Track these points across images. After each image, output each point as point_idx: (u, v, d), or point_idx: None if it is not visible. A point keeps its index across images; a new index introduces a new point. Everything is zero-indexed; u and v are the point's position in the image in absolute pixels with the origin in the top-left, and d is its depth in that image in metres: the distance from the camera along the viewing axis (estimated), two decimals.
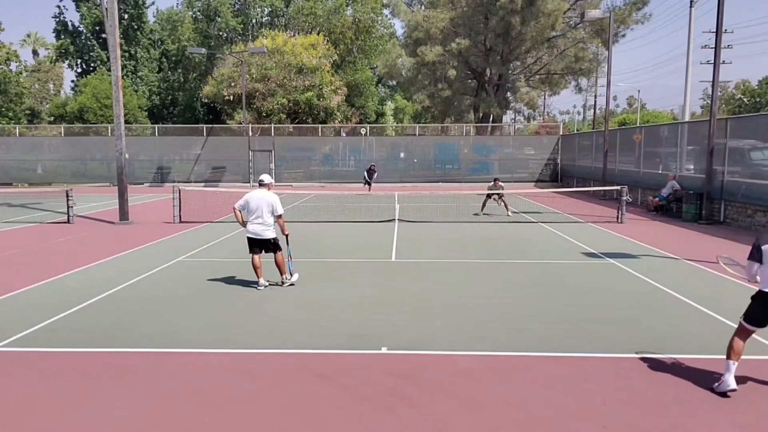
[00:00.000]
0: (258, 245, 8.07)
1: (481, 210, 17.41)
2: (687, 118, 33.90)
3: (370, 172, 25.27)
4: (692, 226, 14.70)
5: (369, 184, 24.79)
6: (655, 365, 5.25)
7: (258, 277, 8.08)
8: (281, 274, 8.19)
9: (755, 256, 4.79)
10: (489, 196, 17.48)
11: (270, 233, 8.01)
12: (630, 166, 22.21)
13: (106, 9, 15.48)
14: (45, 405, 4.49)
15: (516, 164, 33.19)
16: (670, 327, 6.35)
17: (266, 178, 8.32)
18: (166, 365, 5.29)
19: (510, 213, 17.08)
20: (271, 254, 8.06)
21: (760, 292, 4.81)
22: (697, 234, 13.44)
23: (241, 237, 12.87)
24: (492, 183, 17.79)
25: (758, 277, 4.85)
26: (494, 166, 33.36)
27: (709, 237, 12.95)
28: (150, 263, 9.84)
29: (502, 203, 17.42)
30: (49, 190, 24.64)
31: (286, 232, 8.19)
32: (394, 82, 48.42)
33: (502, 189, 17.57)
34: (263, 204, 7.92)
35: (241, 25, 46.84)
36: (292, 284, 8.20)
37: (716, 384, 4.71)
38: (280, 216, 8.02)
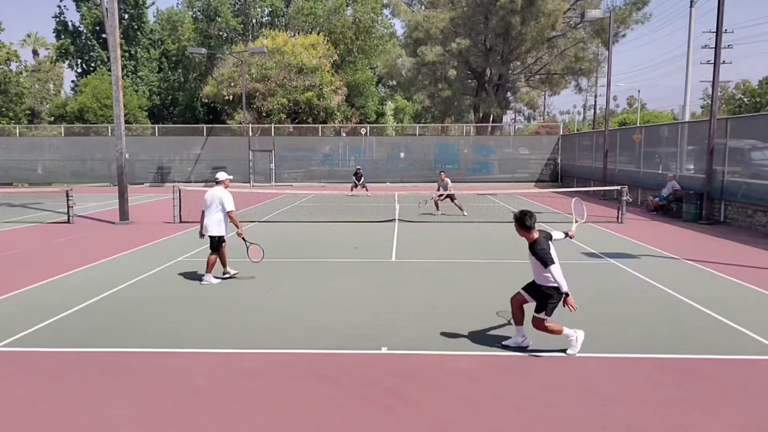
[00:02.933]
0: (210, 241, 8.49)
1: (437, 211, 17.25)
2: (687, 118, 33.92)
3: (357, 176, 24.78)
4: (692, 226, 14.70)
5: (365, 187, 24.18)
6: (655, 365, 5.25)
7: (207, 272, 8.39)
8: (223, 266, 8.60)
9: None
10: (440, 197, 17.33)
11: (217, 230, 8.33)
12: (630, 166, 22.21)
13: (107, 9, 15.48)
14: (45, 405, 4.49)
15: (516, 164, 33.21)
16: (670, 327, 6.35)
17: (221, 175, 8.51)
18: (166, 365, 5.28)
19: (439, 213, 16.93)
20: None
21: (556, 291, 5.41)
22: (697, 234, 13.43)
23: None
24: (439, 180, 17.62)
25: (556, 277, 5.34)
26: (494, 166, 33.39)
27: (709, 237, 12.94)
28: (150, 263, 9.84)
29: (455, 204, 17.05)
30: (49, 190, 24.66)
31: (240, 231, 8.38)
32: (394, 82, 48.38)
33: (449, 185, 17.29)
34: (215, 200, 8.29)
35: (241, 25, 46.85)
36: (232, 277, 8.56)
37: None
38: (229, 212, 8.27)
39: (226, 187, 8.39)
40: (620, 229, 14.15)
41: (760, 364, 5.29)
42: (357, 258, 10.50)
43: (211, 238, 8.36)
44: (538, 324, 5.49)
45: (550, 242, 5.56)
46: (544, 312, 5.45)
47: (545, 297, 5.44)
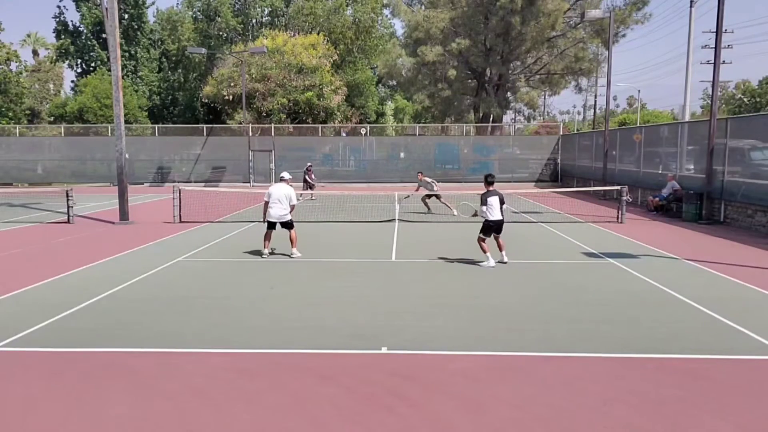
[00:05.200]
0: (273, 225, 10.40)
1: (428, 210, 17.59)
2: (687, 118, 33.91)
3: (308, 174, 22.70)
4: (692, 226, 14.70)
5: (311, 187, 22.35)
6: (655, 365, 5.25)
7: (264, 248, 10.39)
8: (292, 247, 10.43)
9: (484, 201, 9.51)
10: (428, 196, 17.64)
11: (288, 216, 10.36)
12: (630, 166, 22.21)
13: (106, 9, 15.47)
14: (45, 405, 4.49)
15: (516, 164, 33.21)
16: (670, 327, 6.35)
17: (286, 174, 10.70)
18: (166, 365, 5.29)
19: (428, 211, 17.34)
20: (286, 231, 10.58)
21: (487, 221, 9.56)
22: (697, 234, 13.44)
23: (241, 236, 12.92)
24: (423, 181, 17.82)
25: (486, 214, 9.48)
26: (494, 166, 33.38)
27: (709, 237, 12.95)
28: (150, 263, 9.84)
29: (443, 203, 17.37)
30: (50, 190, 24.65)
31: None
32: (394, 82, 48.38)
33: (434, 186, 17.50)
34: (283, 196, 10.24)
35: (241, 25, 46.84)
36: (299, 256, 10.32)
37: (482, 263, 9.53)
38: (294, 205, 10.36)
39: (288, 184, 10.44)
40: (620, 229, 14.15)
41: (760, 364, 5.29)
42: (357, 258, 10.50)
43: (283, 223, 10.31)
44: (478, 240, 9.67)
45: (494, 197, 9.49)
46: (482, 233, 9.61)
47: (483, 224, 9.61)
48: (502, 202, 9.57)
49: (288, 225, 10.38)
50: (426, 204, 17.78)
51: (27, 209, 18.95)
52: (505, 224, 9.75)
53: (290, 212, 10.40)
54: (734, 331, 6.18)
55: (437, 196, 17.41)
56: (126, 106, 35.49)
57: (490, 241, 9.68)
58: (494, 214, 9.44)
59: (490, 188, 9.65)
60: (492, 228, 9.56)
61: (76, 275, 8.98)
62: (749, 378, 4.97)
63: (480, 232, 9.65)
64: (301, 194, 21.46)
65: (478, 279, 8.74)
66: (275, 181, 31.50)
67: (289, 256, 10.39)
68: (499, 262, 9.55)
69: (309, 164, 24.65)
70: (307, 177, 22.78)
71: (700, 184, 15.89)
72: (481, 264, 9.50)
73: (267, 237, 10.45)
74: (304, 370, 5.15)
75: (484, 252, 9.48)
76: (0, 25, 39.26)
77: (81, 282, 8.50)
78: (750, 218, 14.06)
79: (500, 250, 9.71)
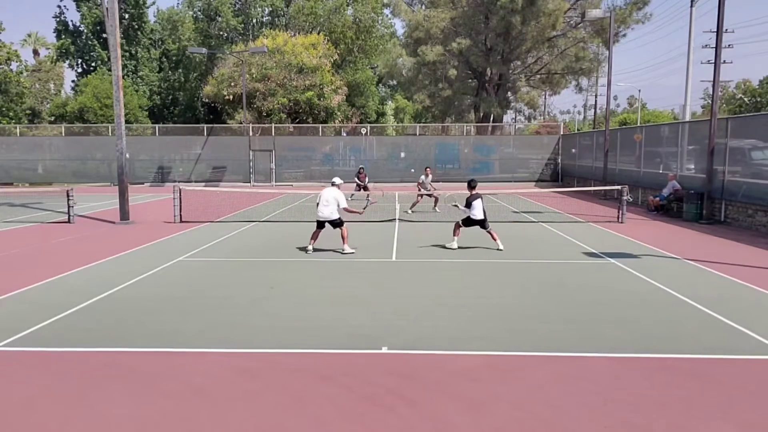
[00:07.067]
0: (322, 225, 10.92)
1: (410, 208, 17.90)
2: (687, 118, 33.90)
3: (360, 176, 21.98)
4: (693, 225, 14.69)
5: (365, 188, 21.62)
6: (655, 365, 5.25)
7: (309, 245, 11.00)
8: (343, 244, 10.78)
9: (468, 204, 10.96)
10: (421, 195, 18.01)
11: (334, 215, 10.72)
12: (630, 165, 22.20)
13: (107, 9, 15.47)
14: (45, 405, 4.49)
15: (516, 164, 33.21)
16: (670, 327, 6.34)
17: (337, 180, 11.24)
18: (166, 365, 5.28)
19: (437, 209, 17.71)
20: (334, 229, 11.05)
21: (469, 217, 10.98)
22: (697, 234, 13.43)
23: (241, 236, 12.93)
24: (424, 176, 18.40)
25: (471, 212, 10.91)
26: (495, 166, 33.40)
27: (709, 237, 12.94)
28: (150, 263, 9.84)
29: (433, 200, 17.99)
30: (50, 190, 24.67)
31: (360, 212, 11.98)
32: (395, 82, 48.40)
33: (431, 184, 18.08)
34: (331, 199, 10.71)
35: (242, 25, 46.86)
36: (351, 252, 10.70)
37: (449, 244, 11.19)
38: (344, 207, 10.82)
39: (338, 188, 10.97)
40: (621, 228, 14.14)
41: (760, 364, 5.29)
42: (357, 258, 10.50)
43: (332, 221, 10.73)
44: (455, 226, 11.28)
45: (477, 200, 10.89)
46: (461, 222, 11.12)
47: (467, 217, 11.00)
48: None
49: (337, 224, 10.82)
50: (416, 203, 18.17)
51: (27, 209, 18.95)
52: (505, 224, 10.74)
53: (343, 211, 10.91)
54: (734, 331, 6.18)
55: (429, 195, 17.91)
56: (126, 105, 35.50)
57: (484, 234, 11.21)
58: (477, 215, 10.88)
59: (473, 192, 10.94)
60: (474, 223, 11.01)
61: (76, 275, 8.98)
62: (749, 378, 4.96)
63: (460, 220, 11.22)
64: (353, 194, 21.41)
65: (478, 279, 8.74)
66: (275, 182, 31.47)
67: (340, 252, 10.74)
68: (496, 249, 10.91)
69: (361, 167, 24.31)
70: (358, 180, 22.11)
71: (701, 183, 15.88)
72: (447, 246, 11.17)
73: (314, 235, 11.02)
74: (304, 370, 5.15)
75: (454, 236, 11.19)
76: (0, 25, 39.31)
77: (81, 282, 8.50)
78: (750, 218, 14.05)
79: (494, 239, 11.03)
